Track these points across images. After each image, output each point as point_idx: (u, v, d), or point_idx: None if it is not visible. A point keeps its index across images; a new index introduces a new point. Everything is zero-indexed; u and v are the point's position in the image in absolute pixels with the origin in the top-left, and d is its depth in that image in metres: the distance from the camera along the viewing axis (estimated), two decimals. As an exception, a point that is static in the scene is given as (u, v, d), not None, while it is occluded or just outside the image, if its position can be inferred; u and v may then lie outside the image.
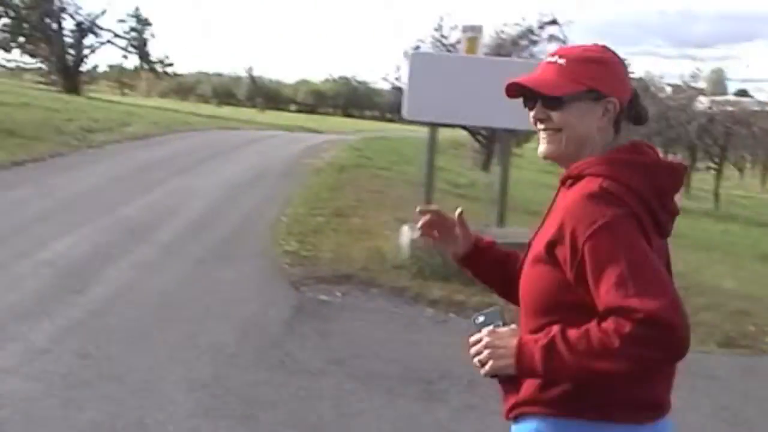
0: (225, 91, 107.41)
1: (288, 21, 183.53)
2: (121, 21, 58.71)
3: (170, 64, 62.66)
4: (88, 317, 6.61)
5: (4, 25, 56.56)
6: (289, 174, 16.31)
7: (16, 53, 59.76)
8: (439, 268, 8.76)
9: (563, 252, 2.00)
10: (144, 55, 59.67)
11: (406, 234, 9.29)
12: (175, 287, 7.76)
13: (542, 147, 2.21)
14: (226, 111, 62.82)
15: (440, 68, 9.53)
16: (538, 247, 2.12)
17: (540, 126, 2.19)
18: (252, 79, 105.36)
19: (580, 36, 25.76)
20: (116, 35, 58.76)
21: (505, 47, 27.55)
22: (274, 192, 13.96)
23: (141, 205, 11.88)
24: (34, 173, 13.80)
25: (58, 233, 9.40)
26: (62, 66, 56.44)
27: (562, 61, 2.17)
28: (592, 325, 1.89)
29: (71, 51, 57.56)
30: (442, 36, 27.86)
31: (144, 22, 58.85)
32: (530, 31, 27.24)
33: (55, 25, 56.94)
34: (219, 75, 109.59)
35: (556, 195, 2.24)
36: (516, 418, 2.17)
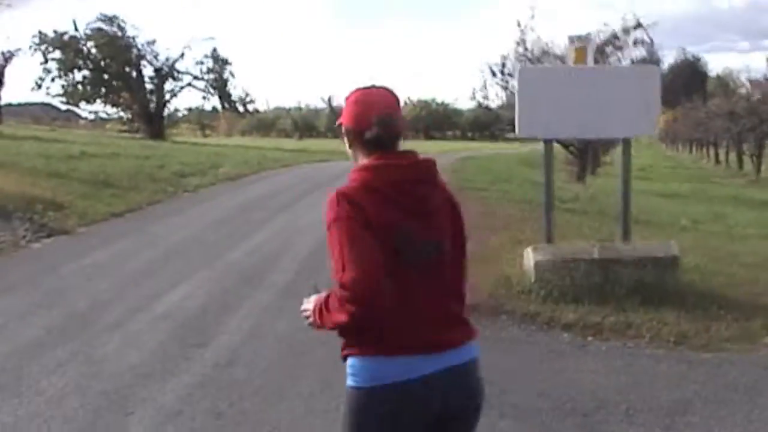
0: (306, 124, 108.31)
1: (361, 49, 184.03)
2: (200, 63, 59.30)
3: (251, 102, 62.99)
4: (214, 372, 6.31)
5: (84, 77, 57.61)
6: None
7: (97, 104, 60.76)
8: (569, 289, 8.35)
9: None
10: (224, 95, 60.16)
11: (530, 256, 8.84)
12: (299, 332, 7.36)
13: None
14: (310, 144, 63.01)
15: (551, 82, 9.10)
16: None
17: None
18: (332, 109, 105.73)
19: (659, 37, 24.99)
20: (195, 77, 59.45)
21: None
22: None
23: (248, 247, 11.66)
24: (134, 223, 13.72)
25: (170, 284, 9.18)
26: (145, 113, 57.38)
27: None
28: (333, 291, 2.68)
29: (152, 97, 58.31)
30: (526, 50, 27.37)
31: (222, 62, 59.38)
32: (615, 36, 26.55)
33: (135, 73, 57.82)
34: (298, 108, 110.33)
35: None
36: (343, 359, 2.86)
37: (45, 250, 11.39)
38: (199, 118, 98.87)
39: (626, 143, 9.40)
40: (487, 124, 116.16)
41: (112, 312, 7.98)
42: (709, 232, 14.12)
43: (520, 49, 27.48)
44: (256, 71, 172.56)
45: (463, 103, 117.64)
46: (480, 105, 31.00)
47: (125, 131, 61.41)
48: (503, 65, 27.91)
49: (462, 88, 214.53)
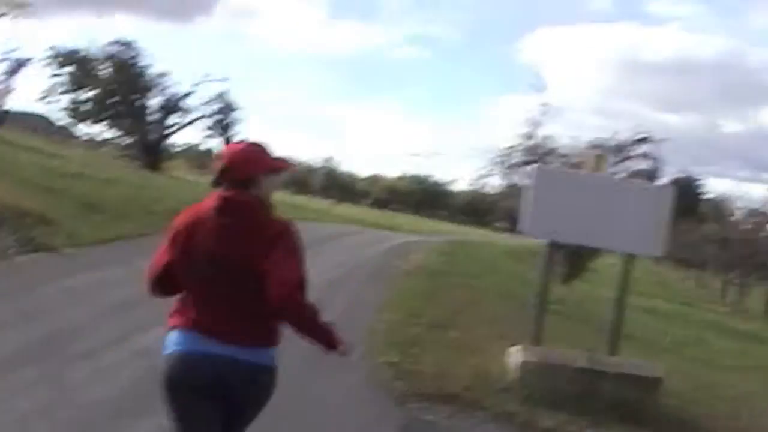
0: (300, 180, 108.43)
1: (363, 117, 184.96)
2: (207, 102, 59.35)
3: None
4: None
5: (91, 97, 57.64)
6: (377, 275, 15.82)
7: (98, 125, 60.67)
8: (549, 394, 8.24)
9: None
10: (227, 139, 60.12)
11: (516, 355, 8.74)
12: (271, 400, 7.25)
13: None
14: (301, 200, 63.03)
15: (566, 185, 9.05)
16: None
17: None
18: (328, 170, 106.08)
19: (663, 153, 25.40)
20: (201, 116, 59.48)
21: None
22: (365, 295, 13.44)
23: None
24: (122, 253, 13.47)
25: (150, 320, 9.00)
26: (144, 142, 57.24)
27: None
28: None
29: (154, 128, 58.33)
30: (533, 145, 27.50)
31: (229, 106, 59.48)
32: (622, 147, 26.74)
33: (141, 102, 57.87)
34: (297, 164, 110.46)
35: None
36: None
37: (29, 265, 11.18)
38: (198, 156, 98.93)
39: (630, 259, 9.34)
40: (480, 209, 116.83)
41: (87, 340, 7.84)
42: (692, 357, 14.07)
43: (527, 143, 27.64)
44: (263, 120, 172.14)
45: (458, 185, 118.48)
46: (478, 191, 31.12)
47: (122, 156, 61.36)
48: (508, 156, 28.00)
49: (459, 171, 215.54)
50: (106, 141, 65.68)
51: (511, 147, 27.65)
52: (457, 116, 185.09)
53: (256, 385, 3.83)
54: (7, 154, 23.02)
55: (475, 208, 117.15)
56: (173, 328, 3.77)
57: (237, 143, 3.81)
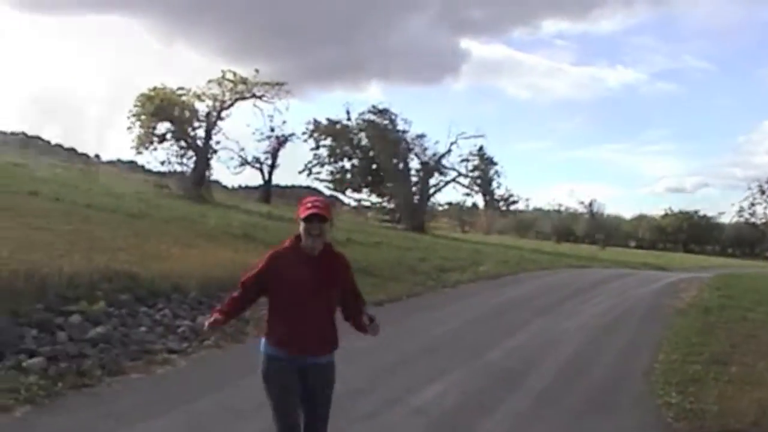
0: (564, 228, 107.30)
1: (620, 158, 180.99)
2: (465, 160, 59.97)
3: (514, 202, 62.91)
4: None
5: (353, 165, 59.69)
6: (650, 316, 15.22)
7: (362, 192, 62.69)
8: None
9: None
10: (488, 193, 60.46)
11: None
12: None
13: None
14: (567, 248, 62.19)
15: None
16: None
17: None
18: (592, 215, 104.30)
19: None
20: (460, 174, 60.13)
21: None
22: (639, 336, 12.94)
23: (506, 348, 11.38)
24: (393, 313, 13.66)
25: (426, 379, 9.05)
26: (408, 205, 58.48)
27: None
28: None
29: (416, 189, 59.48)
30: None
31: (488, 161, 59.85)
32: None
33: (402, 165, 59.27)
34: (557, 212, 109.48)
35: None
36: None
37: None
38: (459, 214, 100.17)
39: None
40: (749, 240, 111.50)
41: (367, 401, 7.92)
42: None
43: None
44: (519, 169, 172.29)
45: (726, 217, 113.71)
46: (746, 221, 29.79)
47: (387, 221, 62.91)
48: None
49: (725, 203, 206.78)
50: (369, 207, 67.76)
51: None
52: (717, 147, 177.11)
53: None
54: (278, 228, 23.99)
55: (745, 240, 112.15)
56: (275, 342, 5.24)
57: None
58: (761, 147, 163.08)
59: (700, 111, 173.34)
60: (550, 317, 14.51)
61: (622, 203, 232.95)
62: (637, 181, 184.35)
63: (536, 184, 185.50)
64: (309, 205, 4.96)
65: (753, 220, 29.40)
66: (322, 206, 4.97)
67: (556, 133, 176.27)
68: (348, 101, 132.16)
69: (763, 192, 25.79)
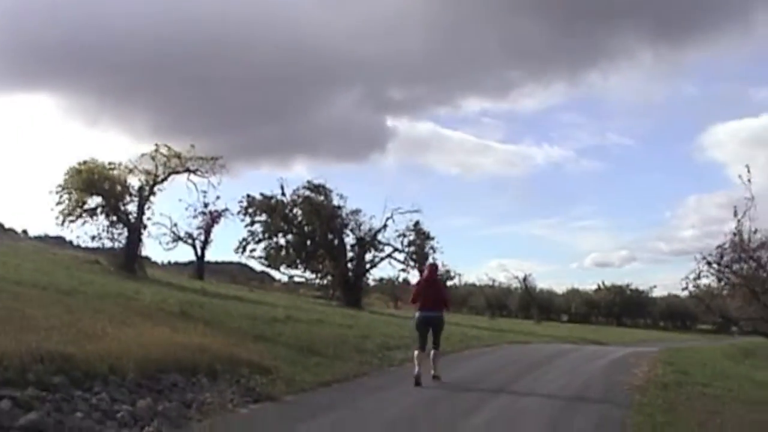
0: (497, 302, 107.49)
1: (546, 233, 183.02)
2: (402, 235, 59.63)
3: (451, 277, 62.52)
4: None
5: (288, 241, 58.92)
6: (609, 394, 14.72)
7: (295, 268, 61.90)
8: None
9: None
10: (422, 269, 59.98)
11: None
12: None
13: None
14: (503, 323, 62.04)
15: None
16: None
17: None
18: (527, 289, 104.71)
19: None
20: (396, 249, 59.73)
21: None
22: (604, 416, 12.39)
23: (471, 426, 10.78)
24: (342, 395, 13.09)
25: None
26: (344, 281, 57.84)
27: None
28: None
29: (352, 265, 58.91)
30: (742, 241, 26.16)
31: (425, 236, 59.55)
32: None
33: (337, 241, 58.71)
34: (491, 286, 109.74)
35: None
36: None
37: (253, 417, 10.86)
38: (392, 290, 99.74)
39: None
40: (681, 314, 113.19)
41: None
42: None
43: (736, 239, 26.30)
44: (450, 245, 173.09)
45: (657, 291, 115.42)
46: (691, 294, 29.88)
47: (320, 297, 62.23)
48: (721, 256, 26.75)
49: (653, 276, 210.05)
50: (302, 283, 67.02)
51: (722, 246, 26.46)
52: (642, 222, 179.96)
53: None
54: (216, 306, 23.38)
55: (677, 313, 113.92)
56: (420, 309, 16.34)
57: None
58: (686, 221, 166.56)
59: (626, 187, 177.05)
60: (506, 396, 13.94)
61: (552, 278, 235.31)
62: (565, 256, 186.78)
63: (467, 259, 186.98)
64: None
65: (696, 292, 29.34)
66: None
67: (486, 209, 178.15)
68: (282, 177, 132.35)
69: (710, 264, 25.83)
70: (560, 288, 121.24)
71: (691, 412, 12.66)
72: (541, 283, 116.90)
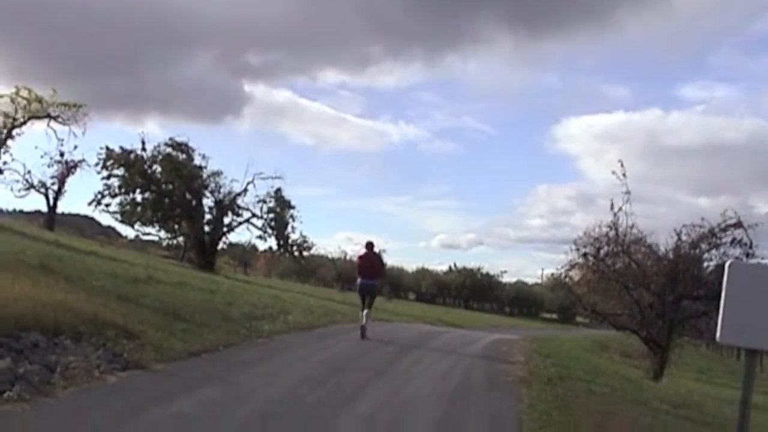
0: (347, 276, 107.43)
1: (400, 211, 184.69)
2: (262, 201, 58.61)
3: (308, 248, 61.62)
4: None
5: (145, 198, 57.00)
6: (495, 385, 14.13)
7: (151, 226, 60.16)
8: None
9: None
10: (282, 238, 59.08)
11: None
12: None
13: None
14: (353, 297, 61.61)
15: (763, 281, 7.60)
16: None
17: None
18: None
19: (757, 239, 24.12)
20: (254, 215, 58.65)
21: (683, 249, 26.06)
22: (495, 409, 11.82)
23: (357, 417, 10.22)
24: (214, 367, 12.31)
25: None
26: (199, 243, 56.51)
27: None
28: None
29: (209, 228, 57.62)
30: (617, 235, 26.53)
31: (285, 204, 58.56)
32: (712, 233, 25.54)
33: (195, 202, 57.23)
34: (342, 259, 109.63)
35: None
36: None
37: (123, 386, 10.01)
38: (243, 255, 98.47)
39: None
40: (527, 301, 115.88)
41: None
42: None
43: (612, 233, 26.65)
44: (312, 214, 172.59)
45: (506, 277, 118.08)
46: (561, 284, 30.26)
47: (170, 257, 60.72)
48: (598, 249, 27.06)
49: (501, 262, 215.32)
50: (152, 242, 65.26)
51: (598, 238, 26.78)
52: (492, 207, 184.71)
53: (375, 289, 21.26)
54: (75, 260, 22.11)
55: (524, 300, 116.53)
56: (359, 277, 21.27)
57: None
58: (534, 210, 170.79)
59: (479, 171, 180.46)
60: (387, 380, 13.36)
61: (400, 255, 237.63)
62: (414, 235, 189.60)
63: (317, 230, 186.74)
64: None
65: (566, 281, 29.57)
66: None
67: (339, 181, 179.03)
68: (143, 131, 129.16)
69: (585, 256, 25.94)
70: (409, 266, 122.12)
71: (585, 410, 12.38)
72: (390, 260, 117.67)
